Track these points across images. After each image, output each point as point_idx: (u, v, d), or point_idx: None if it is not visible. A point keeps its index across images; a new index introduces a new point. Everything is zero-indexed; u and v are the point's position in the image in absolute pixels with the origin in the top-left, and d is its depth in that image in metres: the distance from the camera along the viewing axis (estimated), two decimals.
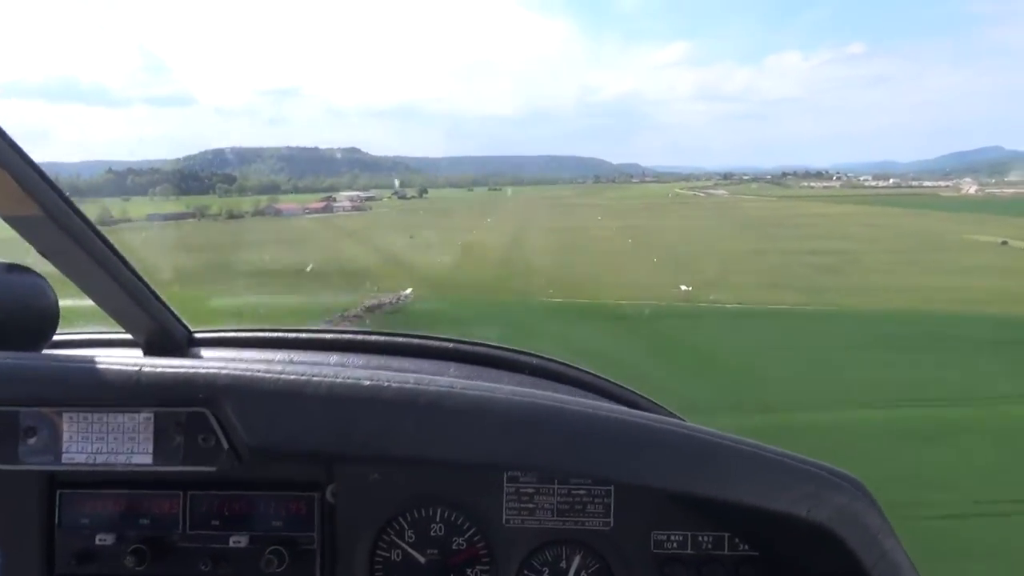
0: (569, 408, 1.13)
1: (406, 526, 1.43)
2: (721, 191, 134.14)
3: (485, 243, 45.11)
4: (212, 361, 1.23)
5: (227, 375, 1.16)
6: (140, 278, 1.48)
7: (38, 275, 1.45)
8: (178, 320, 1.63)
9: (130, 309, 1.51)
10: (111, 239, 1.40)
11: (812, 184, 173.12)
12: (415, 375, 1.17)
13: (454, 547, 1.43)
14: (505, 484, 1.42)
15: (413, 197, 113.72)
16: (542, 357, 1.66)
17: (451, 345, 1.65)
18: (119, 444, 1.20)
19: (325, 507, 1.39)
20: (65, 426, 1.20)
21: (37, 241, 1.33)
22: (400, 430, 1.13)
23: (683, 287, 29.47)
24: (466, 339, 1.67)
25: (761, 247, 42.82)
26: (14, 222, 1.28)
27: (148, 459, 1.20)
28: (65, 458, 1.20)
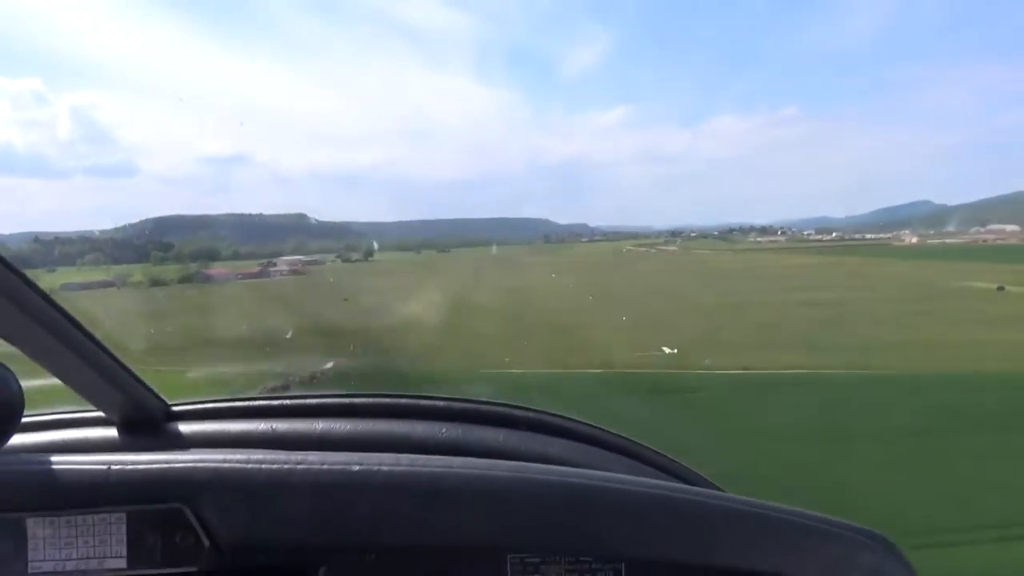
0: (573, 482, 1.08)
1: None
2: (672, 247, 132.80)
3: (430, 304, 39.73)
4: (188, 453, 1.16)
5: (205, 468, 1.11)
6: (109, 353, 1.33)
7: None
8: (153, 394, 1.48)
9: (101, 386, 1.36)
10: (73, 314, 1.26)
11: (759, 239, 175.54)
12: (408, 456, 1.13)
13: None
14: (509, 556, 1.25)
15: (358, 260, 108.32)
16: (538, 411, 1.52)
17: (442, 404, 1.51)
18: (90, 548, 1.12)
19: None
20: (31, 532, 1.12)
21: None
22: (395, 516, 1.08)
23: (666, 349, 23.76)
24: (457, 397, 1.53)
25: (740, 300, 37.75)
26: None
27: (122, 563, 1.11)
28: (32, 567, 1.11)
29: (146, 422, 1.47)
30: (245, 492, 1.09)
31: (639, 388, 18.47)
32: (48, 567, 1.12)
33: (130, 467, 1.12)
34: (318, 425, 1.44)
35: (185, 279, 66.36)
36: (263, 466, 1.10)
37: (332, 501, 1.07)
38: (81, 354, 1.29)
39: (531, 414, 1.52)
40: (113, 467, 1.12)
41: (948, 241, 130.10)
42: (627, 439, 1.52)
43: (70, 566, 1.12)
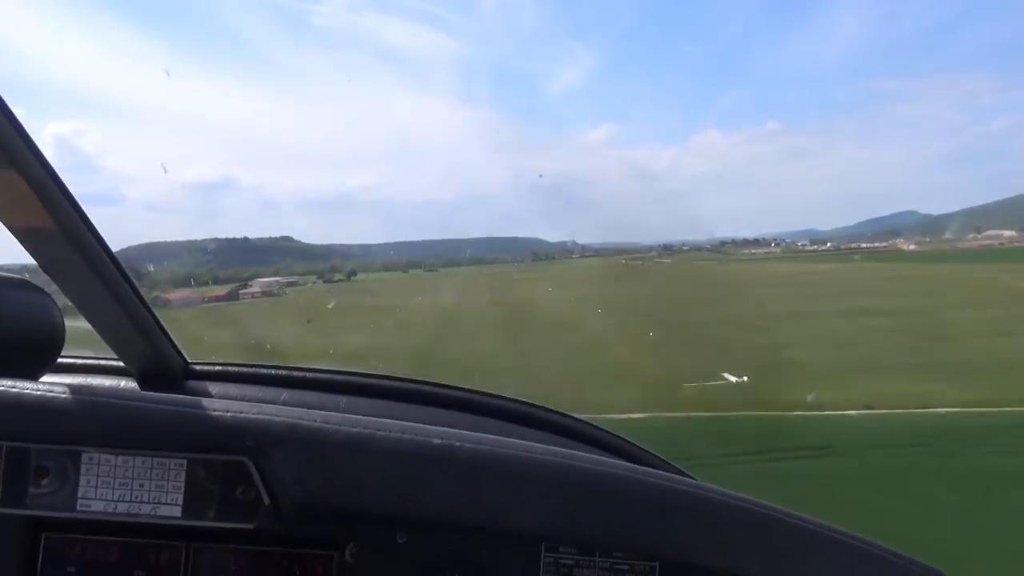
0: (655, 483, 1.08)
1: None
2: (667, 260, 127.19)
3: (409, 324, 33.61)
4: (262, 405, 1.12)
5: (281, 423, 1.07)
6: (145, 304, 1.31)
7: (44, 292, 1.29)
8: (176, 350, 1.44)
9: (130, 336, 1.32)
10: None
11: (753, 251, 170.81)
12: (491, 436, 1.11)
13: None
14: (543, 555, 1.19)
15: (340, 280, 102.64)
16: (565, 415, 1.50)
17: (466, 395, 1.48)
18: (145, 492, 1.07)
19: (343, 568, 1.18)
20: (84, 467, 1.08)
21: (43, 256, 1.16)
22: (471, 495, 1.06)
23: (731, 377, 16.98)
24: (483, 390, 1.51)
25: (784, 310, 31.06)
26: (21, 234, 1.10)
27: (177, 511, 1.07)
28: (81, 504, 1.07)
29: (165, 377, 1.40)
30: (320, 453, 1.05)
31: (718, 444, 11.61)
32: (98, 507, 1.07)
33: (205, 412, 1.06)
34: (341, 401, 1.39)
35: None
36: (341, 428, 1.05)
37: (409, 472, 1.04)
38: (120, 301, 1.24)
39: (562, 418, 1.46)
40: (187, 410, 1.06)
41: (957, 246, 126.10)
42: (656, 456, 1.45)
43: (121, 508, 1.07)
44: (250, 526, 1.05)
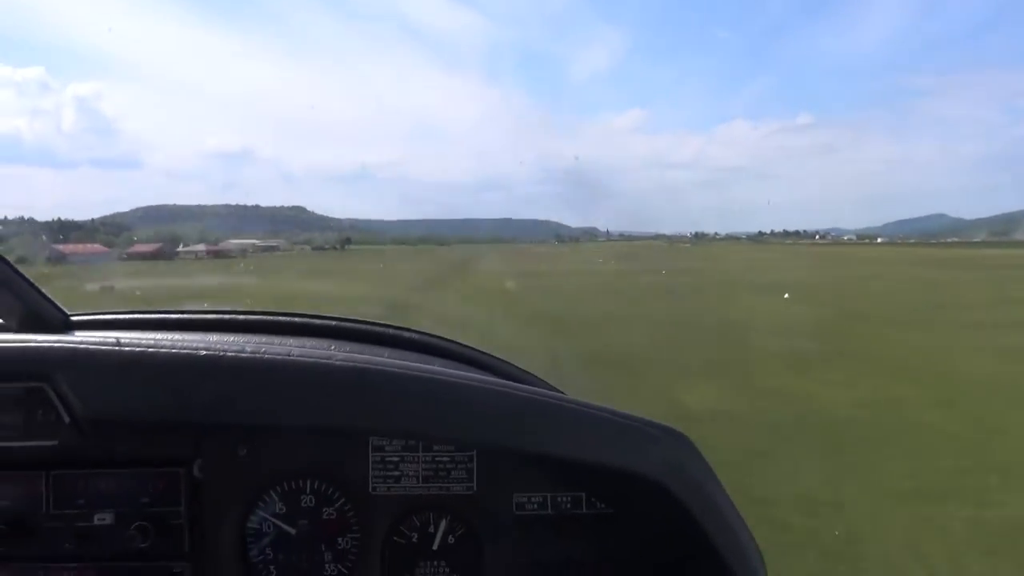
0: (389, 371, 1.13)
1: (276, 498, 1.30)
2: (715, 244, 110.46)
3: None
4: (50, 336, 1.16)
5: (62, 348, 1.12)
6: (4, 260, 1.27)
7: None
8: (52, 303, 1.38)
9: None
10: None
11: (796, 242, 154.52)
12: (254, 343, 1.18)
13: (324, 517, 1.31)
14: (371, 453, 1.31)
15: (331, 249, 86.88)
16: (425, 333, 1.54)
17: (334, 323, 1.51)
18: None
19: (192, 482, 1.25)
20: None
21: None
22: (237, 397, 1.11)
23: None
24: (349, 317, 1.54)
25: None
26: None
27: None
28: None
29: (43, 330, 1.31)
30: (97, 372, 1.09)
31: None
32: None
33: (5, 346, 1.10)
34: (212, 338, 1.36)
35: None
36: (115, 349, 1.09)
37: (179, 382, 1.08)
38: None
39: (416, 335, 1.51)
40: None
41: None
42: (507, 363, 1.50)
43: None
44: (54, 443, 1.11)
